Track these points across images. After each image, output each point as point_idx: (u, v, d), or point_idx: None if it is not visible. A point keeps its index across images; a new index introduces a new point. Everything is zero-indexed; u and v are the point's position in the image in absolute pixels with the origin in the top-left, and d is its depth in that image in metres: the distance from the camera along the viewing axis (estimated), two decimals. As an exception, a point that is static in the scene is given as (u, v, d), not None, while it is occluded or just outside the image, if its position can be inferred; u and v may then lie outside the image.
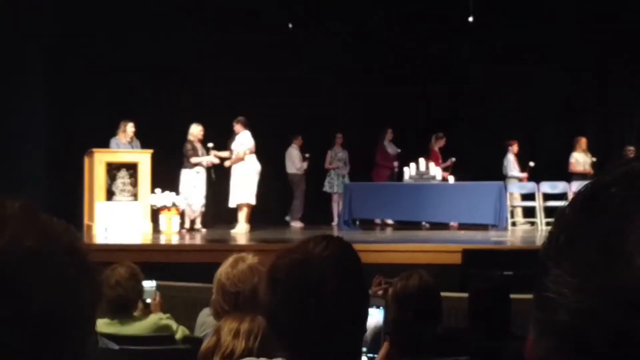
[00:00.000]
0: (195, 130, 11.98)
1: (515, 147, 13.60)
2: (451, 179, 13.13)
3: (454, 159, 13.77)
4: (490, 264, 8.15)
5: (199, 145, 11.99)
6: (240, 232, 11.45)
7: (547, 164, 13.67)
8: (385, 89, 14.51)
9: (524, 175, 13.46)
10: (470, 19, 13.83)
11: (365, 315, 1.69)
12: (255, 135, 11.75)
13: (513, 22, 14.51)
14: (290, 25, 14.54)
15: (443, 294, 3.77)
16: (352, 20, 14.57)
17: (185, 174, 11.98)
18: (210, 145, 11.98)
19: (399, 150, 14.26)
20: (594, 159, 13.27)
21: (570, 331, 0.55)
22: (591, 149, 13.48)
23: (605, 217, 0.55)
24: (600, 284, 0.53)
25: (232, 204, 11.72)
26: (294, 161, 13.90)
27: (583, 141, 13.44)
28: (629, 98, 15.13)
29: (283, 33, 14.41)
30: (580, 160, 13.28)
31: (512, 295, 3.99)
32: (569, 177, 12.96)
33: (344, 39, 14.58)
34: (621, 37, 14.24)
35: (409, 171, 12.82)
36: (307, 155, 14.01)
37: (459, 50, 14.95)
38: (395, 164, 14.13)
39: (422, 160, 13.09)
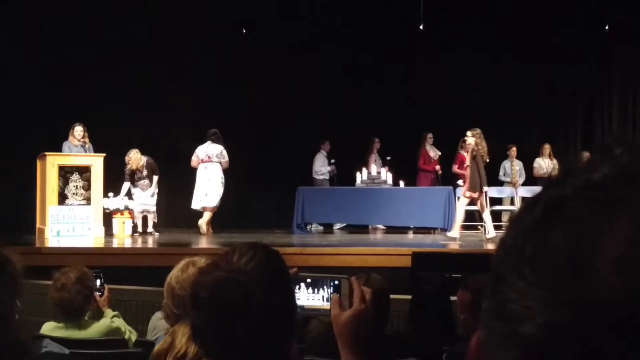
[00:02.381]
0: (129, 157, 11.90)
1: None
2: (402, 184, 13.25)
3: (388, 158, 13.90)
4: (439, 266, 8.23)
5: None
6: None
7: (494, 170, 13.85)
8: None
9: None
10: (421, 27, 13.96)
11: (293, 327, 1.62)
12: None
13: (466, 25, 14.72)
14: (244, 31, 14.52)
15: (393, 296, 3.81)
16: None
17: (127, 185, 12.01)
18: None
19: (440, 153, 14.04)
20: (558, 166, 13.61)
21: (537, 345, 0.53)
22: (557, 155, 13.92)
23: (571, 230, 0.54)
24: (571, 298, 0.52)
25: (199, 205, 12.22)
26: (317, 165, 13.90)
27: (546, 147, 13.79)
28: (578, 101, 15.40)
29: (234, 38, 14.38)
30: (544, 165, 13.62)
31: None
32: (534, 181, 13.37)
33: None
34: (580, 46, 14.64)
35: (361, 176, 12.88)
36: (332, 160, 14.11)
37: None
38: (437, 167, 13.89)
39: (373, 166, 13.20)
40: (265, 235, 11.63)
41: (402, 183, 13.21)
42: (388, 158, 14.05)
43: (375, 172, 12.99)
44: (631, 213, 0.53)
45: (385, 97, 14.64)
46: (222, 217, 13.24)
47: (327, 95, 14.48)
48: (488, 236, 10.99)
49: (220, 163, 12.11)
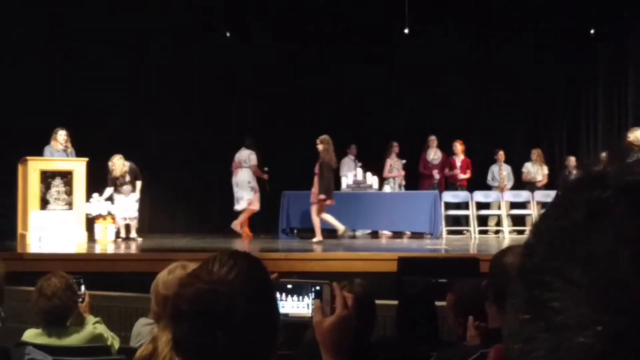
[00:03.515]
0: (112, 162, 11.88)
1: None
2: (387, 188, 13.27)
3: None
4: (425, 271, 8.25)
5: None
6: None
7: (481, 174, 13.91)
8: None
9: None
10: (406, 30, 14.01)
11: (276, 336, 1.60)
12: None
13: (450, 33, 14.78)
14: (227, 34, 14.53)
15: (379, 301, 3.82)
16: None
17: (109, 190, 11.98)
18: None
19: (439, 157, 13.92)
20: (546, 171, 13.76)
21: (596, 356, 0.49)
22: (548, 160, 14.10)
23: (629, 232, 0.51)
24: (634, 303, 0.49)
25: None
26: (344, 170, 13.82)
27: (535, 152, 13.86)
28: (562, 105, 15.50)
29: (220, 40, 14.38)
30: (532, 170, 13.72)
31: (444, 303, 4.06)
32: (523, 186, 13.50)
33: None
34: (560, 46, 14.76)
35: (346, 180, 12.90)
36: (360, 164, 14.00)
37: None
38: (436, 172, 13.76)
39: (359, 170, 13.21)
40: (251, 240, 11.63)
41: (387, 188, 13.23)
42: (404, 161, 13.95)
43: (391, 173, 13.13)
44: None
45: (367, 101, 14.66)
46: (207, 220, 13.25)
47: (310, 100, 14.50)
48: (314, 240, 11.30)
49: (250, 168, 12.59)
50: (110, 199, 11.82)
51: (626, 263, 0.50)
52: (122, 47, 13.72)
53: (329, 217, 11.54)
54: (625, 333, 0.49)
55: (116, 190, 11.89)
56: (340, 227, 11.53)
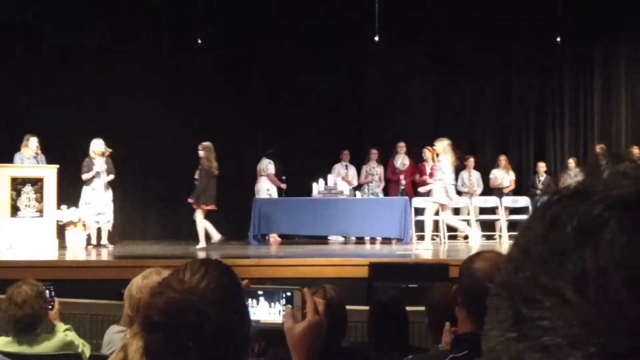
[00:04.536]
0: (95, 145, 11.80)
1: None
2: (358, 194, 13.32)
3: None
4: (395, 276, 8.29)
5: (101, 160, 11.79)
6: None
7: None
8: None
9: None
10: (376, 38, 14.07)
11: (247, 344, 1.60)
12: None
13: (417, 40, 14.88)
14: (199, 41, 14.48)
15: (350, 307, 3.83)
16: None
17: (83, 191, 11.87)
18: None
19: (407, 164, 13.91)
20: (513, 177, 13.98)
21: None
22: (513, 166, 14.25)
23: (622, 248, 0.49)
24: (630, 322, 0.47)
25: None
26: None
27: (502, 158, 14.05)
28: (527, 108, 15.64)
29: (191, 46, 14.34)
30: (499, 176, 13.88)
31: (414, 308, 4.08)
32: (490, 192, 13.71)
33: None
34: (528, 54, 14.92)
35: (318, 186, 12.91)
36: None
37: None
38: (402, 177, 13.72)
39: (330, 176, 13.23)
40: (222, 247, 11.59)
41: (358, 194, 13.27)
42: (406, 164, 13.95)
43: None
44: None
45: (337, 109, 14.71)
46: (179, 227, 13.18)
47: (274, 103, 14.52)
48: (198, 246, 11.42)
49: (267, 176, 13.20)
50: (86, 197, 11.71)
51: (620, 282, 0.48)
52: (95, 53, 13.65)
53: (207, 225, 11.66)
54: (620, 354, 0.47)
55: (90, 186, 11.74)
56: (215, 236, 11.67)
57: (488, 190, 13.75)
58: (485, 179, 13.96)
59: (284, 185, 13.24)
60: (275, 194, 13.23)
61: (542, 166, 13.92)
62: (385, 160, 14.05)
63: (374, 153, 13.93)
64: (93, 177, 11.74)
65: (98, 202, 11.77)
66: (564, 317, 0.49)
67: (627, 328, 0.47)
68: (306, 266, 9.00)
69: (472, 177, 13.82)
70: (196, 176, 11.64)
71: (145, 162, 13.98)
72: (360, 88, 15.19)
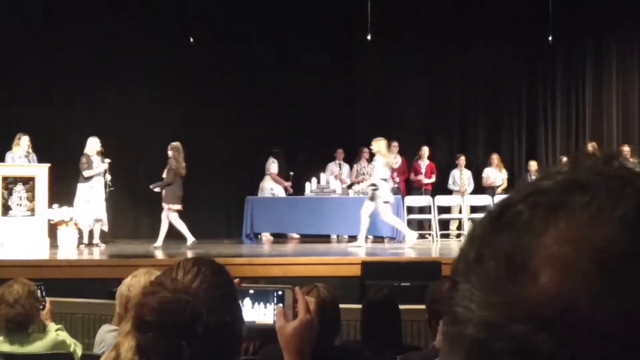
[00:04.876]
0: (92, 144, 11.76)
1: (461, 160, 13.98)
2: (351, 193, 13.29)
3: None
4: (388, 275, 8.29)
5: (97, 159, 11.76)
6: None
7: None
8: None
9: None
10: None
11: (240, 344, 1.60)
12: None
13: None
14: (191, 39, 14.44)
15: (343, 306, 3.82)
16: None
17: (80, 189, 11.75)
18: (107, 161, 11.77)
19: (399, 162, 13.77)
20: (505, 175, 14.00)
21: (476, 345, 0.54)
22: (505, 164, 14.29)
23: (511, 233, 0.55)
24: (507, 298, 0.53)
25: None
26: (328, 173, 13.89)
27: (494, 157, 14.06)
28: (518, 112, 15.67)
29: (184, 47, 14.31)
30: (492, 175, 13.89)
31: (407, 306, 4.08)
32: (483, 190, 13.67)
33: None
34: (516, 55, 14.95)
35: (310, 185, 12.91)
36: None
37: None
38: (394, 175, 13.33)
39: (323, 175, 13.23)
40: (214, 246, 11.57)
41: (351, 192, 13.24)
42: (398, 162, 13.88)
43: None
44: (570, 217, 0.54)
45: (331, 107, 14.71)
46: (171, 225, 13.16)
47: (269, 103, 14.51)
48: (155, 245, 11.47)
49: (270, 175, 13.33)
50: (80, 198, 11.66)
51: (501, 261, 0.55)
52: (87, 53, 13.61)
53: (179, 225, 11.69)
54: (499, 325, 0.53)
55: (90, 185, 11.71)
56: (190, 238, 11.64)
57: (480, 189, 13.75)
58: (478, 177, 13.97)
59: (288, 184, 13.26)
60: (281, 193, 13.18)
61: (533, 164, 13.93)
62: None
63: (365, 152, 13.76)
64: (93, 175, 11.70)
65: (97, 201, 11.73)
66: (466, 296, 0.56)
67: (503, 303, 0.54)
68: (298, 265, 9.00)
69: (463, 176, 13.84)
70: (164, 175, 11.62)
71: (136, 160, 13.95)
72: (352, 86, 15.18)
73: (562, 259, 0.53)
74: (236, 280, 1.70)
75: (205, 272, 1.54)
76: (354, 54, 15.00)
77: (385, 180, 11.34)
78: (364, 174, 13.78)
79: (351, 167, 14.01)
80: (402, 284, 7.94)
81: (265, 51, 14.47)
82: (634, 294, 0.51)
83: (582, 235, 0.54)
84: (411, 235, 11.36)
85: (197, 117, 14.14)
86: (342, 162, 14.06)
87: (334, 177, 13.34)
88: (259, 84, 14.48)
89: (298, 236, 13.45)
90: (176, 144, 11.63)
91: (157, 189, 11.65)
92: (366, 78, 15.22)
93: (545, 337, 0.52)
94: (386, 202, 11.24)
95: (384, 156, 11.33)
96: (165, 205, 11.60)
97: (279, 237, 13.32)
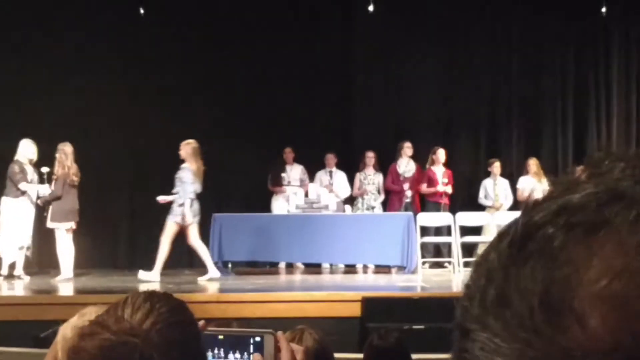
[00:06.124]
0: (26, 149, 11.63)
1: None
2: (348, 209, 13.23)
3: None
4: (396, 316, 8.29)
5: (30, 169, 11.64)
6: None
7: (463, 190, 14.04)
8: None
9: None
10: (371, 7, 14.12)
11: None
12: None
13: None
14: (142, 11, 14.49)
15: (339, 355, 3.82)
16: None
17: (7, 204, 11.62)
18: (44, 169, 11.64)
19: (413, 170, 13.72)
20: (547, 187, 13.77)
21: None
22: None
23: (544, 265, 0.54)
24: (547, 349, 0.52)
25: None
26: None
27: (532, 163, 13.79)
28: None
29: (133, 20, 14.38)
30: (529, 185, 13.49)
31: (421, 355, 4.07)
32: (516, 204, 13.46)
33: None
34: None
35: (296, 199, 12.86)
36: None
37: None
38: (406, 187, 13.52)
39: (312, 186, 13.17)
40: (172, 277, 11.55)
41: (348, 209, 13.24)
42: (412, 170, 13.91)
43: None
44: (616, 240, 0.53)
45: (345, 108, 14.77)
46: (115, 254, 13.13)
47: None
48: (58, 278, 11.34)
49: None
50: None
51: (535, 302, 0.54)
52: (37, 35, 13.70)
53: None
54: None
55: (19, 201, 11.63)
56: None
57: (515, 204, 13.63)
58: (513, 189, 13.84)
59: (285, 189, 13.52)
60: (298, 202, 13.01)
61: (578, 172, 13.79)
62: (385, 165, 13.97)
63: (370, 157, 13.76)
64: (24, 191, 11.57)
65: (25, 223, 11.60)
66: (487, 348, 0.55)
67: (545, 356, 0.52)
68: (281, 302, 8.99)
69: (497, 187, 13.70)
70: (52, 187, 11.48)
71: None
72: (349, 72, 15.20)
73: (614, 297, 0.52)
74: (200, 323, 1.69)
75: (160, 309, 1.54)
76: (355, 28, 14.96)
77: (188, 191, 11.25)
78: (369, 185, 13.68)
79: (348, 175, 13.86)
80: (415, 326, 7.94)
81: (237, 26, 14.54)
82: None
83: (636, 263, 0.52)
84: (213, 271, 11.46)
85: (172, 119, 14.23)
86: (334, 170, 13.96)
87: (325, 188, 13.30)
88: (231, 69, 14.53)
89: (283, 265, 13.45)
90: (64, 144, 11.44)
91: (40, 203, 11.47)
92: (366, 58, 15.18)
93: None
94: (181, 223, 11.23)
95: (191, 162, 11.27)
96: (52, 225, 11.39)
97: (256, 266, 13.30)
